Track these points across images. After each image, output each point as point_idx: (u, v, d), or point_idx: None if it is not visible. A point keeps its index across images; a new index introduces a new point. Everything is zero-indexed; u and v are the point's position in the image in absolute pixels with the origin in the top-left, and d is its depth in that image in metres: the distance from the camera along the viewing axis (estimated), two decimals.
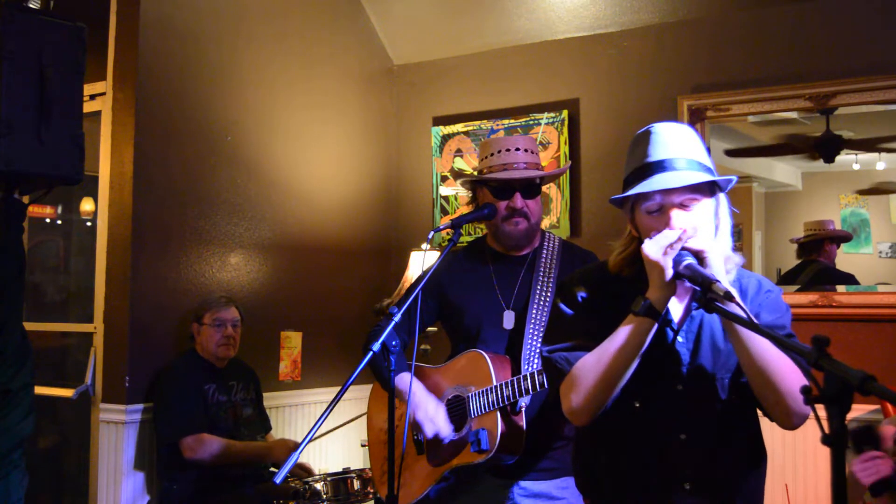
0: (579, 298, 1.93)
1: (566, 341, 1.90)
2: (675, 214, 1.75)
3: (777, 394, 1.71)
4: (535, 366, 2.59)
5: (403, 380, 2.63)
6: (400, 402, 2.67)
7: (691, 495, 1.82)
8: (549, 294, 2.66)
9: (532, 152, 2.76)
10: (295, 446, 3.81)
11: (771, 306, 1.84)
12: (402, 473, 2.79)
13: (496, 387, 2.58)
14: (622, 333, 1.76)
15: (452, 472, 2.70)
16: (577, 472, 2.05)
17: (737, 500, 1.86)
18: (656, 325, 1.75)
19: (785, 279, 4.17)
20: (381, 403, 2.94)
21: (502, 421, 2.57)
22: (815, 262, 4.15)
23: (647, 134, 1.82)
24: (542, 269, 2.72)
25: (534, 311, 2.66)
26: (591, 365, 1.80)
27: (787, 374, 1.70)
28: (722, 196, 1.85)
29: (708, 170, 1.81)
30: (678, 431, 1.83)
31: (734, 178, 1.81)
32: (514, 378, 2.55)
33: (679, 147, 1.79)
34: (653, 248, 1.71)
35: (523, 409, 2.58)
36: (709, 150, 1.91)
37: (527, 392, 2.52)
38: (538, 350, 2.60)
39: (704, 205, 1.77)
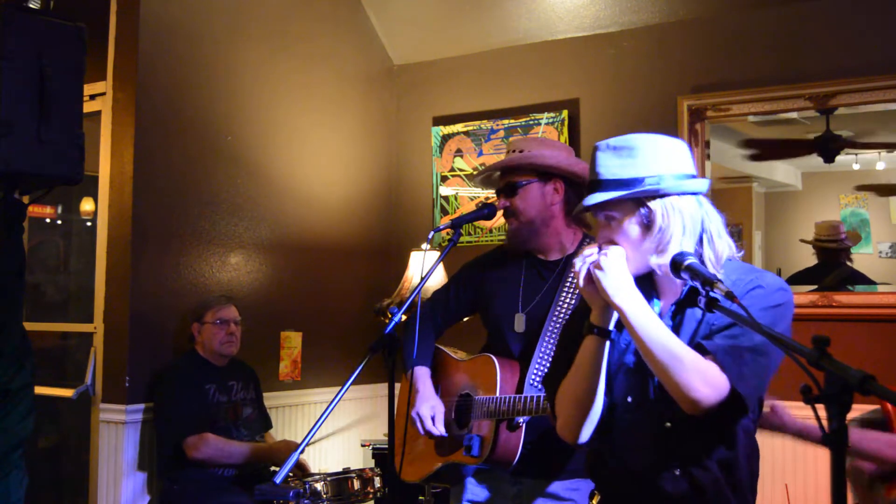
0: (573, 326, 2.06)
1: (562, 366, 2.03)
2: (598, 232, 1.95)
3: (670, 388, 1.81)
4: (539, 381, 2.59)
5: (415, 374, 2.77)
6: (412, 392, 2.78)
7: (681, 480, 1.89)
8: (572, 302, 2.62)
9: (521, 151, 2.68)
10: (297, 447, 3.85)
11: (747, 302, 1.84)
12: (412, 451, 2.89)
13: (496, 399, 2.59)
14: (579, 355, 1.93)
15: (448, 466, 2.74)
16: (588, 463, 2.13)
17: (726, 488, 1.90)
18: (607, 341, 1.90)
19: (804, 279, 4.14)
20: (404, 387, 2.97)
21: (496, 433, 2.59)
22: (842, 265, 4.13)
23: (593, 151, 1.95)
24: (570, 277, 2.66)
25: (553, 319, 2.63)
26: (564, 387, 1.99)
27: (676, 375, 1.78)
28: (667, 202, 1.86)
29: (632, 184, 1.86)
30: (664, 420, 1.90)
31: (654, 188, 1.84)
32: (514, 396, 2.57)
33: (606, 166, 1.90)
34: (578, 278, 1.89)
35: (522, 426, 2.58)
36: (692, 150, 1.96)
37: (520, 413, 2.54)
38: (550, 358, 2.60)
39: (622, 220, 1.89)
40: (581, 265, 1.86)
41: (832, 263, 4.16)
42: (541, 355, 2.61)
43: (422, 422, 2.71)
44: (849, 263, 4.15)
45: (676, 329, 1.90)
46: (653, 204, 1.86)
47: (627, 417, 1.95)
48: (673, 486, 1.89)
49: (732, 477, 1.91)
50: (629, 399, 1.95)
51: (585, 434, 1.97)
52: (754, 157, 4.51)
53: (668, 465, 1.90)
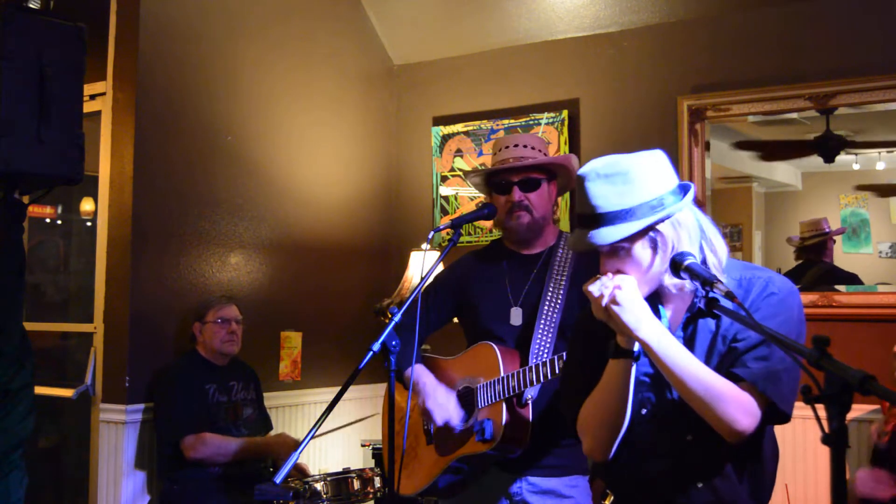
0: (583, 340, 2.06)
1: (576, 384, 2.03)
2: (604, 262, 1.88)
3: (711, 420, 1.80)
4: (543, 358, 2.60)
5: (414, 371, 2.73)
6: (414, 393, 2.75)
7: (704, 492, 1.88)
8: (561, 291, 2.68)
9: (533, 148, 2.75)
10: (294, 442, 3.85)
11: (767, 311, 1.84)
12: (410, 463, 2.87)
13: (503, 378, 2.61)
14: (606, 377, 1.90)
15: (460, 462, 2.72)
16: (596, 471, 2.11)
17: (747, 497, 1.90)
18: (634, 363, 1.87)
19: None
20: (403, 391, 2.93)
21: (507, 412, 2.59)
22: (820, 263, 4.14)
23: (580, 181, 1.86)
24: (555, 267, 2.73)
25: (545, 308, 2.67)
26: (591, 409, 1.96)
27: (718, 410, 1.77)
28: (673, 219, 1.84)
29: (636, 211, 1.80)
30: (684, 433, 1.88)
31: (666, 212, 1.80)
32: (522, 369, 2.57)
33: (603, 197, 1.81)
34: (595, 309, 1.83)
35: (530, 402, 2.60)
36: (675, 165, 1.93)
37: (531, 383, 2.54)
38: (547, 346, 2.63)
39: (632, 248, 1.83)
40: (598, 295, 1.81)
41: (810, 261, 4.17)
42: (538, 341, 2.65)
43: (442, 410, 2.69)
44: (828, 261, 4.16)
45: (689, 341, 1.89)
46: (661, 226, 1.83)
47: (642, 429, 1.94)
48: (695, 499, 1.88)
49: (755, 484, 1.91)
50: (643, 412, 1.94)
51: (613, 450, 1.96)
52: (754, 157, 4.50)
53: (690, 477, 1.89)
